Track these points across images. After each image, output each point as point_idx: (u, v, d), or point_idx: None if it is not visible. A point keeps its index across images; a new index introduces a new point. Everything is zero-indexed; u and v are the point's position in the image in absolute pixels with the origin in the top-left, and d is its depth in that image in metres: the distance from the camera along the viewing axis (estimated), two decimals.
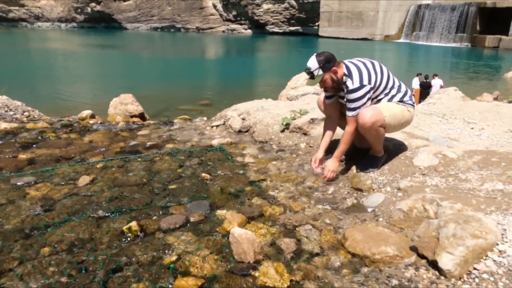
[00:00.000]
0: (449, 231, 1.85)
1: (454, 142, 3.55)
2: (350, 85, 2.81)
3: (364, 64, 2.88)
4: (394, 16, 37.87)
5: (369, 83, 2.80)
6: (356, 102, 2.82)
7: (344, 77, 2.85)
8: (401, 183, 2.77)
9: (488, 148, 3.29)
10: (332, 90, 3.03)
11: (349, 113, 2.89)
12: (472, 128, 4.17)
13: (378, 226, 2.33)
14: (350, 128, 2.92)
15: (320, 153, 3.19)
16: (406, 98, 2.98)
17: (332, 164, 3.06)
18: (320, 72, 2.84)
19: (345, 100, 2.93)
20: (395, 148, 3.26)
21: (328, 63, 2.83)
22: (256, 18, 50.77)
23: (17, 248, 2.21)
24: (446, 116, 4.64)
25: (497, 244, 1.84)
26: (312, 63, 2.84)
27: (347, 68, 2.86)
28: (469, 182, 2.59)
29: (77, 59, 26.71)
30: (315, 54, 2.89)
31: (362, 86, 2.79)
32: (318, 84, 2.94)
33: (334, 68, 2.84)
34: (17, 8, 62.69)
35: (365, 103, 2.82)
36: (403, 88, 3.00)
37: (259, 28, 51.69)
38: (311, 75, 2.87)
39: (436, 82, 12.91)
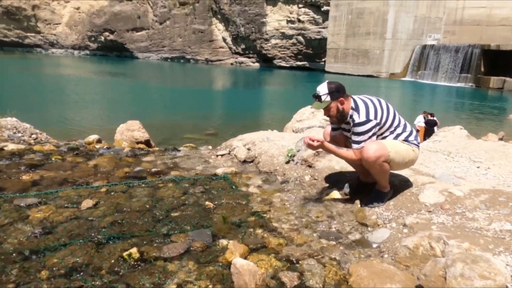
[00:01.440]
0: (457, 271, 1.80)
1: (460, 180, 3.52)
2: (357, 118, 2.85)
3: (371, 100, 2.94)
4: (400, 55, 38.64)
5: (375, 118, 2.84)
6: (362, 136, 2.84)
7: (351, 111, 2.90)
8: (406, 219, 2.73)
9: (494, 187, 3.25)
10: (334, 120, 3.06)
11: (354, 145, 2.91)
12: (478, 167, 4.15)
13: (383, 262, 2.28)
14: (353, 157, 2.93)
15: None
16: (411, 138, 3.00)
17: (321, 144, 2.92)
18: (328, 98, 2.88)
19: (350, 133, 2.96)
20: (401, 184, 3.24)
21: (337, 92, 2.89)
22: (264, 52, 52.04)
23: (15, 270, 2.17)
24: (451, 154, 4.62)
25: (507, 286, 1.78)
26: (323, 88, 2.90)
27: (355, 102, 2.91)
28: (476, 221, 2.55)
29: (87, 85, 27.27)
30: (327, 81, 2.97)
31: (368, 120, 2.82)
32: (323, 110, 2.96)
33: (341, 98, 2.90)
34: (33, 34, 64.89)
35: (370, 137, 2.84)
36: (409, 128, 3.03)
37: (266, 61, 52.86)
38: (319, 99, 2.91)
39: (421, 119, 13.26)
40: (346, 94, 2.93)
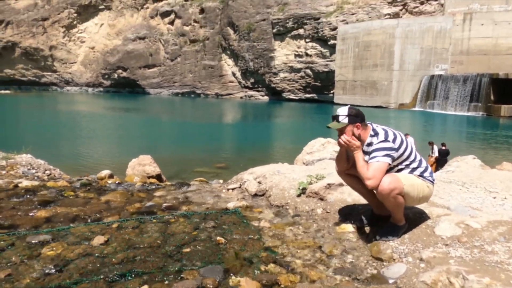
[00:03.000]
0: None
1: (477, 211, 3.44)
2: (376, 140, 2.90)
3: (391, 129, 3.02)
4: (408, 85, 38.87)
5: (393, 143, 2.87)
6: (379, 152, 2.84)
7: (369, 138, 2.95)
8: (423, 253, 2.66)
9: None
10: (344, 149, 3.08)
11: (370, 160, 2.88)
12: (495, 198, 4.05)
13: None
14: (366, 171, 2.84)
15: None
16: (426, 174, 2.98)
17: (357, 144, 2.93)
18: (346, 120, 2.93)
19: (368, 155, 2.94)
20: (415, 217, 3.18)
21: (355, 117, 2.94)
22: (273, 85, 52.89)
23: None
24: (466, 185, 4.54)
25: None
26: (343, 111, 2.97)
27: (374, 130, 2.97)
28: (496, 255, 2.47)
29: (100, 120, 27.87)
30: (349, 105, 3.04)
31: (386, 141, 2.87)
32: (338, 131, 2.99)
33: (358, 124, 2.94)
34: (49, 73, 67.38)
35: (386, 156, 2.82)
36: (424, 163, 3.03)
37: (275, 94, 53.60)
38: (337, 119, 2.96)
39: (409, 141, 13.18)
40: (365, 122, 2.98)
